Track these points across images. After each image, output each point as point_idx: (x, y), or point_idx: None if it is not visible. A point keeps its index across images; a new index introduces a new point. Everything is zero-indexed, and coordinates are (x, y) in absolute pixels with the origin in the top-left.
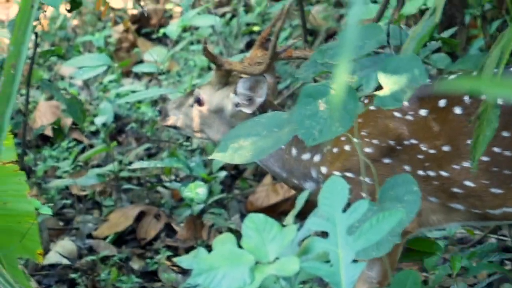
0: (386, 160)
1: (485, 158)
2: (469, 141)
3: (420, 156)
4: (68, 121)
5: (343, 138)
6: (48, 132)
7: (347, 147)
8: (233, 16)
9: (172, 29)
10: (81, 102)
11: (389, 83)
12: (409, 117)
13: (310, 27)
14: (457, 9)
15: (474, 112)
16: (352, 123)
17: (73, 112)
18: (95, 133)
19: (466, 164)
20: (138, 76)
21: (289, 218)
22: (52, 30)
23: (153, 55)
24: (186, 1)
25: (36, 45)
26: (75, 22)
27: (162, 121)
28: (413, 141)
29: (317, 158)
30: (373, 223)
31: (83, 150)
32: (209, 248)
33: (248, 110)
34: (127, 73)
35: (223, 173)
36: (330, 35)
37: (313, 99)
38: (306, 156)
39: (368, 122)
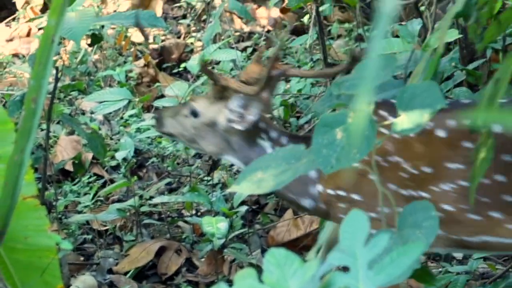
0: (373, 176)
1: (464, 183)
2: (448, 164)
3: (403, 175)
4: (88, 155)
5: None
6: (69, 166)
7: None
8: (254, 50)
9: (193, 63)
10: (101, 137)
11: (406, 110)
12: (395, 135)
13: (332, 61)
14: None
15: (457, 136)
16: (370, 149)
17: (93, 146)
18: (116, 168)
19: (445, 187)
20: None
21: (311, 253)
22: (73, 64)
23: (174, 90)
24: (207, 36)
25: (57, 79)
26: (96, 56)
27: (158, 128)
28: (397, 159)
29: (313, 174)
30: (393, 257)
31: (103, 185)
32: (230, 283)
33: (239, 127)
34: (148, 108)
35: (244, 208)
36: (351, 69)
37: (330, 128)
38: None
39: None
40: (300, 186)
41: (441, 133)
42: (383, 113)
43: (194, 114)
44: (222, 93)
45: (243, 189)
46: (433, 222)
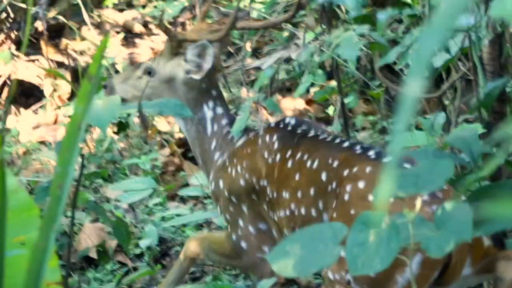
0: (253, 196)
1: (287, 213)
2: (285, 194)
3: (267, 199)
4: (113, 243)
5: (235, 160)
6: (93, 254)
7: (233, 172)
8: None
9: None
10: (126, 225)
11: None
12: (269, 159)
13: None
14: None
15: (302, 167)
16: (390, 261)
17: (118, 234)
18: (140, 256)
19: (282, 213)
20: (183, 200)
21: None
22: (99, 152)
23: (198, 179)
24: (236, 128)
25: (83, 167)
26: (121, 144)
27: (108, 95)
28: (265, 183)
29: (220, 161)
30: None
31: (127, 273)
32: None
33: (197, 76)
34: (172, 197)
35: None
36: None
37: (366, 227)
38: (216, 155)
39: (247, 156)
40: (209, 159)
41: (289, 163)
42: None
43: (150, 73)
44: (177, 49)
45: (277, 269)
46: None
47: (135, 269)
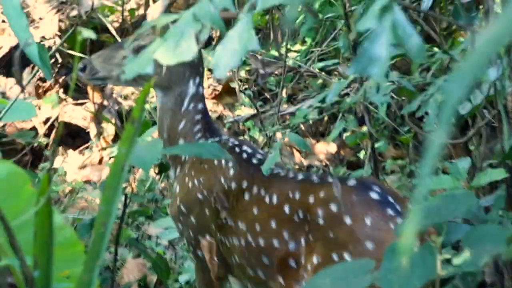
0: (206, 211)
1: (243, 242)
2: (241, 225)
3: (219, 222)
4: (153, 278)
5: (193, 172)
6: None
7: (190, 184)
8: None
9: None
10: (166, 261)
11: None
12: (225, 185)
13: None
14: None
15: (261, 202)
16: (428, 279)
17: (158, 269)
18: None
19: (236, 242)
20: None
21: None
22: (141, 191)
23: None
24: (267, 166)
25: (126, 205)
26: (163, 184)
27: (89, 75)
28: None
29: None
30: None
31: None
32: None
33: None
34: None
35: None
36: None
37: (397, 254)
38: (181, 141)
39: (204, 172)
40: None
41: (246, 196)
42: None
43: (137, 51)
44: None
45: None
46: None
47: None
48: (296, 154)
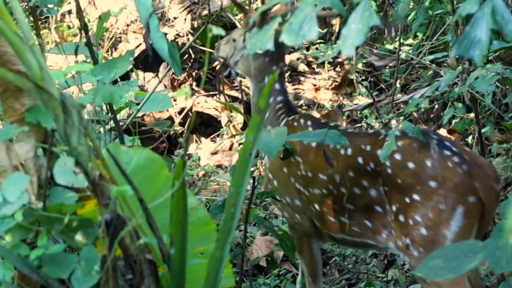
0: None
1: (324, 191)
2: (322, 176)
3: (299, 173)
4: (280, 253)
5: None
6: (263, 262)
7: None
8: None
9: None
10: (291, 238)
11: None
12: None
13: None
14: None
15: (337, 155)
16: None
17: (284, 246)
18: None
19: (317, 191)
20: None
21: None
22: None
23: None
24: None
25: (254, 187)
26: None
27: (216, 53)
28: (299, 160)
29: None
30: None
31: (293, 279)
32: None
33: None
34: None
35: None
36: (509, 183)
37: (504, 232)
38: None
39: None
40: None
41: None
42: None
43: (234, 40)
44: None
45: (423, 274)
46: None
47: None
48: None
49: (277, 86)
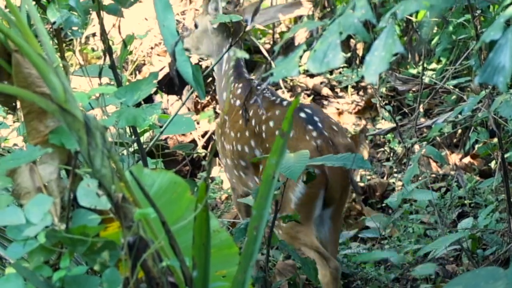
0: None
1: (231, 147)
2: (232, 133)
3: (225, 131)
4: (302, 277)
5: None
6: (285, 286)
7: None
8: (447, 190)
9: (393, 200)
10: (314, 262)
11: None
12: (232, 101)
13: None
14: None
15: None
16: None
17: (306, 270)
18: None
19: (229, 147)
20: (363, 240)
21: None
22: None
23: (376, 223)
24: (407, 177)
25: (277, 211)
26: None
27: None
28: (226, 118)
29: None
30: None
31: None
32: None
33: (215, 26)
34: (354, 238)
35: None
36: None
37: None
38: (224, 95)
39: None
40: None
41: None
42: None
43: (196, 26)
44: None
45: None
46: None
47: None
48: (433, 164)
49: (231, 53)
